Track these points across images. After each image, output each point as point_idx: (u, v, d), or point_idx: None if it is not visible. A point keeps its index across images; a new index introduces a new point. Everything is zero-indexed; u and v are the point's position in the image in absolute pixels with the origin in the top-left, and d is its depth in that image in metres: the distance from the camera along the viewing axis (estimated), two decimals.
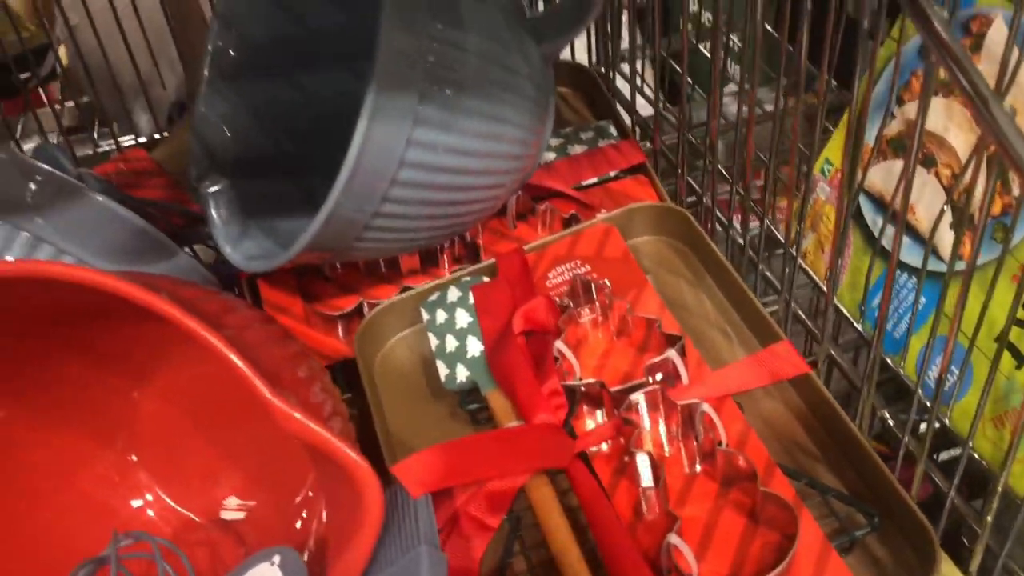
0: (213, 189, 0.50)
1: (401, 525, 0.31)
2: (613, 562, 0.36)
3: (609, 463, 0.40)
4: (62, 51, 0.71)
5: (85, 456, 0.41)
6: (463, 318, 0.46)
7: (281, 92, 0.54)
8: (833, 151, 0.53)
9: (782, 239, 0.52)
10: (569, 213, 0.53)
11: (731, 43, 0.60)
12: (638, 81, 0.63)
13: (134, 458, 0.42)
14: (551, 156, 0.57)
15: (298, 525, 0.39)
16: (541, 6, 0.67)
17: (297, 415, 0.29)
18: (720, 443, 0.38)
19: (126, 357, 0.39)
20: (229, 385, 0.30)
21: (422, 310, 0.48)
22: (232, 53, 0.50)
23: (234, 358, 0.29)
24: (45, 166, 0.44)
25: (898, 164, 0.48)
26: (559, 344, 0.42)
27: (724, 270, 0.48)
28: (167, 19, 0.65)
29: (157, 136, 0.69)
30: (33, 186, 0.44)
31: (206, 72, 0.51)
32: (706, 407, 0.38)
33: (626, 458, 0.39)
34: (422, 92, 0.40)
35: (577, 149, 0.58)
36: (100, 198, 0.44)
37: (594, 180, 0.56)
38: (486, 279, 0.48)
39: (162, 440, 0.41)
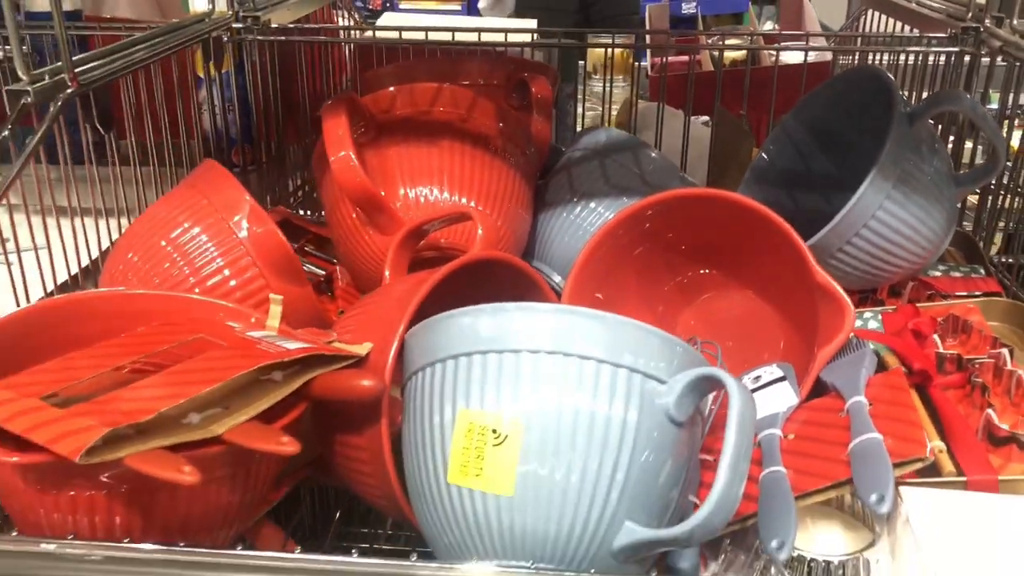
0: None
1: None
2: None
3: None
4: None
5: None
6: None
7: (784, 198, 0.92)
8: None
9: None
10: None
11: None
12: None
13: None
14: (937, 273, 0.89)
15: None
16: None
17: (823, 273, 0.63)
18: None
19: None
20: (785, 253, 0.65)
21: None
22: (766, 160, 0.90)
23: (793, 235, 0.64)
24: None
25: None
26: None
27: None
28: None
29: None
30: None
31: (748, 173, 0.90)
32: None
33: None
34: (894, 185, 0.75)
35: (954, 274, 0.89)
36: None
37: (964, 293, 0.87)
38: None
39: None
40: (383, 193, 0.73)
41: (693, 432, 0.53)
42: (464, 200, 0.75)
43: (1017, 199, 0.94)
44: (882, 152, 0.73)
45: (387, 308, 0.60)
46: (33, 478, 0.48)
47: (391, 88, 0.77)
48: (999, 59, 1.00)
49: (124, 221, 0.84)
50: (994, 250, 0.99)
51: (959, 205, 0.82)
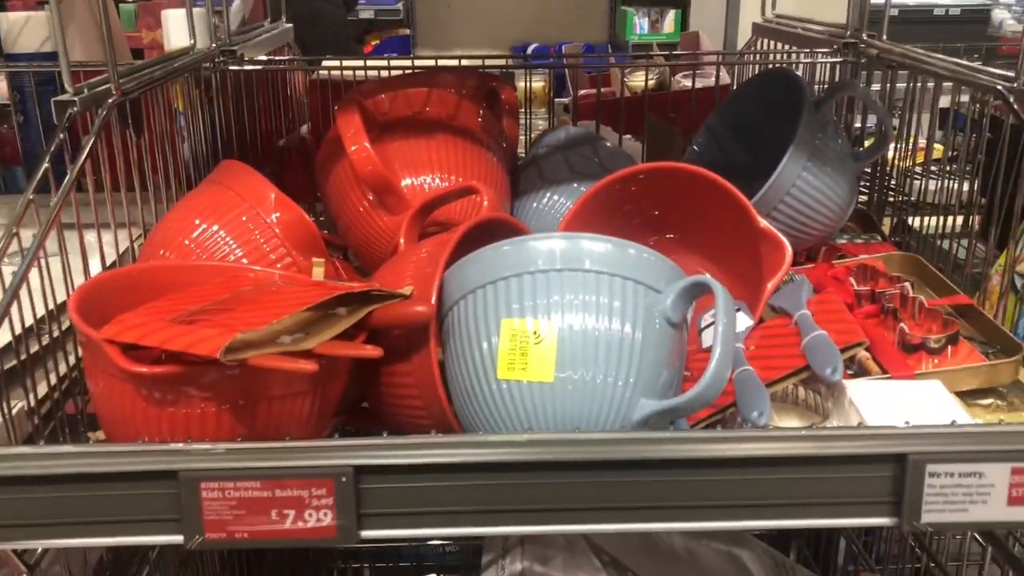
0: None
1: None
2: None
3: None
4: None
5: None
6: None
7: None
8: None
9: None
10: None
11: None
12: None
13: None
14: (843, 240, 1.06)
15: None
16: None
17: (764, 221, 0.78)
18: None
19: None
20: (729, 213, 0.80)
21: None
22: (696, 150, 1.06)
23: (737, 193, 0.79)
24: None
25: None
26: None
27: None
28: None
29: None
30: None
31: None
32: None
33: None
34: (808, 158, 0.91)
35: (857, 241, 1.07)
36: None
37: (866, 256, 1.04)
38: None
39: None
40: None
41: (683, 332, 0.66)
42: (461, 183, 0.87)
43: (898, 192, 1.13)
44: (796, 133, 0.90)
45: (417, 262, 0.71)
46: (158, 390, 0.57)
47: (385, 95, 0.89)
48: (875, 70, 1.20)
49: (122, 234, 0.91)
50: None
51: (858, 180, 1.00)
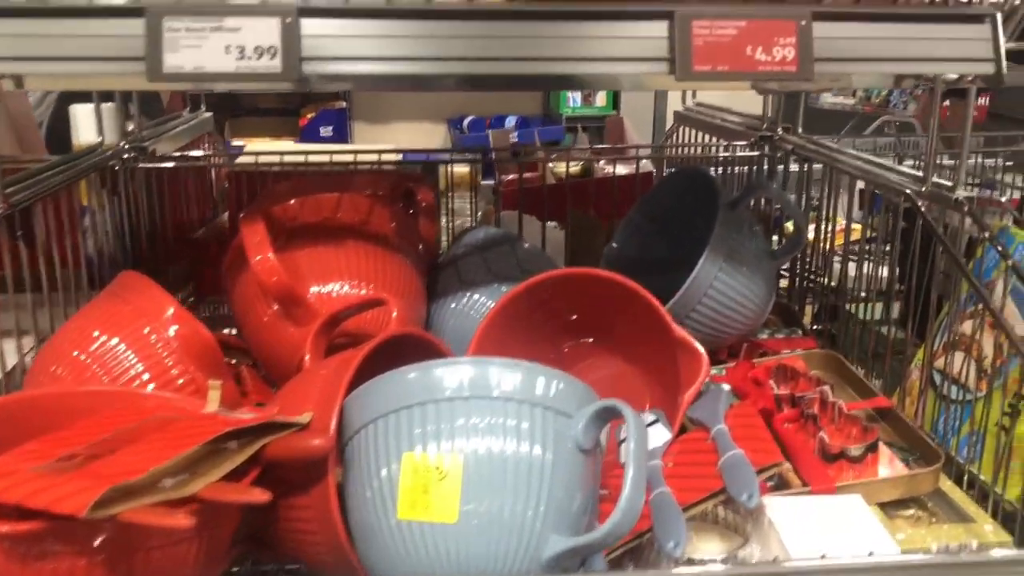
0: None
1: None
2: None
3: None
4: None
5: None
6: None
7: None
8: None
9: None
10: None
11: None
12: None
13: None
14: (764, 335, 1.06)
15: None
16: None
17: (680, 329, 0.77)
18: None
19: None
20: (646, 319, 0.79)
21: None
22: (615, 248, 1.05)
23: (653, 300, 0.78)
24: None
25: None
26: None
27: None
28: None
29: None
30: None
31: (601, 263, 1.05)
32: None
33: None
34: (724, 259, 0.91)
35: (778, 335, 1.06)
36: None
37: (788, 351, 1.03)
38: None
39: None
40: None
41: (596, 458, 0.63)
42: (361, 293, 0.84)
43: (820, 278, 1.14)
44: (712, 234, 0.90)
45: (320, 383, 0.68)
46: (23, 547, 0.52)
47: (295, 200, 0.86)
48: (791, 162, 1.21)
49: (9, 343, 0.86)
50: (806, 321, 1.18)
51: (777, 277, 1.00)
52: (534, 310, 0.86)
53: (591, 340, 0.90)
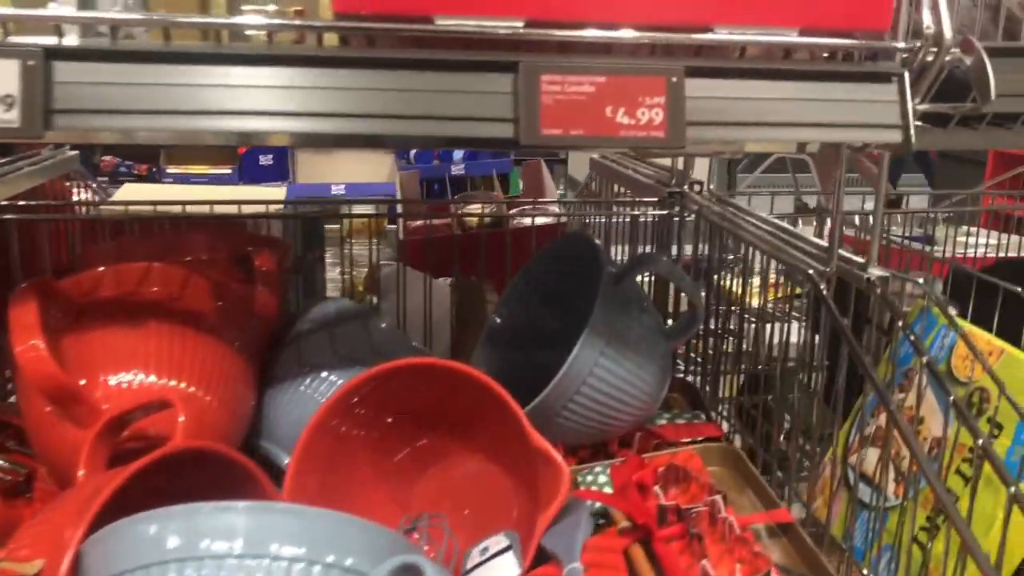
0: None
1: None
2: None
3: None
4: None
5: None
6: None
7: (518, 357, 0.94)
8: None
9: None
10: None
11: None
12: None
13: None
14: (663, 421, 0.94)
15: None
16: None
17: (540, 438, 0.64)
18: None
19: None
20: (505, 424, 0.66)
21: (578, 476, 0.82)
22: (498, 323, 0.92)
23: (509, 401, 0.65)
24: None
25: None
26: None
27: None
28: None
29: None
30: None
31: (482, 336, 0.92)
32: None
33: None
34: (606, 343, 0.78)
35: (678, 421, 0.94)
36: None
37: (688, 439, 0.91)
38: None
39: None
40: (83, 382, 0.68)
41: None
42: (174, 383, 0.70)
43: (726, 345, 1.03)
44: (592, 313, 0.77)
45: (67, 516, 0.54)
46: None
47: (98, 269, 0.72)
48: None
49: None
50: (730, 392, 1.06)
51: (673, 355, 0.88)
52: (382, 402, 0.73)
53: (450, 437, 0.77)
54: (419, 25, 0.56)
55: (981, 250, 1.48)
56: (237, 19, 0.58)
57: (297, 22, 0.57)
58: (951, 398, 0.66)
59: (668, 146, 0.57)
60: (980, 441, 0.62)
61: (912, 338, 0.72)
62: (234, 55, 0.56)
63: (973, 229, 1.58)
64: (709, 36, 0.59)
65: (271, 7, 0.73)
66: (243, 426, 0.76)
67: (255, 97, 0.55)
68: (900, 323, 0.72)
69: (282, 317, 0.88)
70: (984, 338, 0.77)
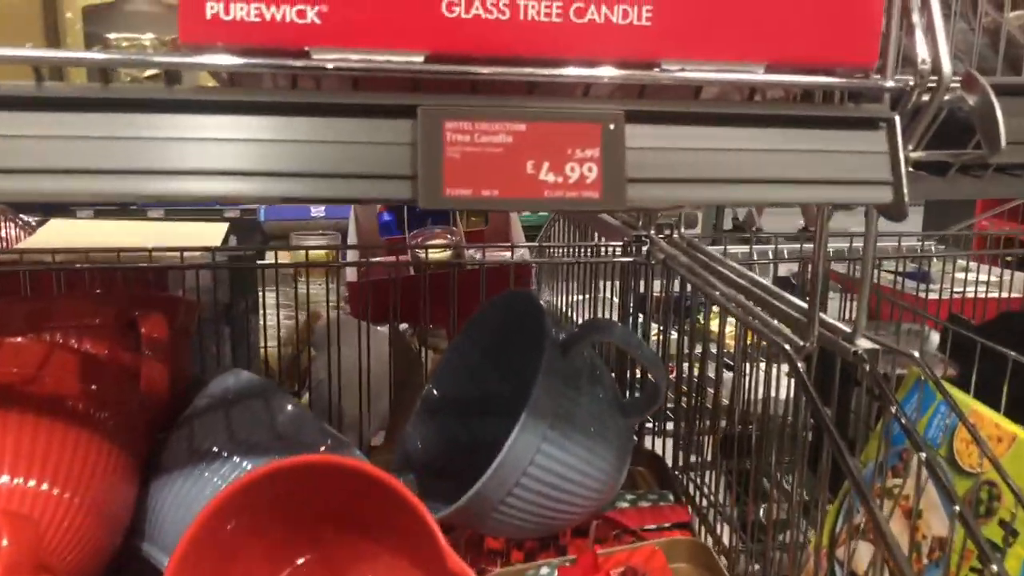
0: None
1: None
2: None
3: None
4: None
5: None
6: None
7: (458, 428, 0.83)
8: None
9: None
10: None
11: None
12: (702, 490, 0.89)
13: None
14: (625, 504, 0.82)
15: None
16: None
17: (458, 559, 0.53)
18: None
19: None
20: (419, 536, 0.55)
21: None
22: (436, 394, 0.81)
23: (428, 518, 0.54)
24: None
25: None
26: None
27: None
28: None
29: None
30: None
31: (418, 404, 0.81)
32: None
33: None
34: (550, 425, 0.67)
35: (643, 504, 0.82)
36: None
37: (653, 526, 0.80)
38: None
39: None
40: None
41: None
42: (30, 484, 0.59)
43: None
44: (532, 392, 0.66)
45: None
46: None
47: None
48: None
49: None
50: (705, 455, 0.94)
51: (633, 432, 0.76)
52: (279, 502, 0.62)
53: (364, 538, 0.65)
54: (291, 60, 0.45)
55: (981, 288, 1.37)
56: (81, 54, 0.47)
57: (134, 56, 0.46)
58: (956, 508, 0.55)
59: (603, 208, 0.46)
60: (995, 567, 0.50)
61: (905, 423, 0.61)
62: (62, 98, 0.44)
63: (973, 265, 1.48)
64: (655, 73, 0.48)
65: (148, 36, 0.62)
66: (118, 528, 0.65)
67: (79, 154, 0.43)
68: (893, 409, 0.61)
69: (189, 386, 0.76)
70: (991, 420, 0.66)
